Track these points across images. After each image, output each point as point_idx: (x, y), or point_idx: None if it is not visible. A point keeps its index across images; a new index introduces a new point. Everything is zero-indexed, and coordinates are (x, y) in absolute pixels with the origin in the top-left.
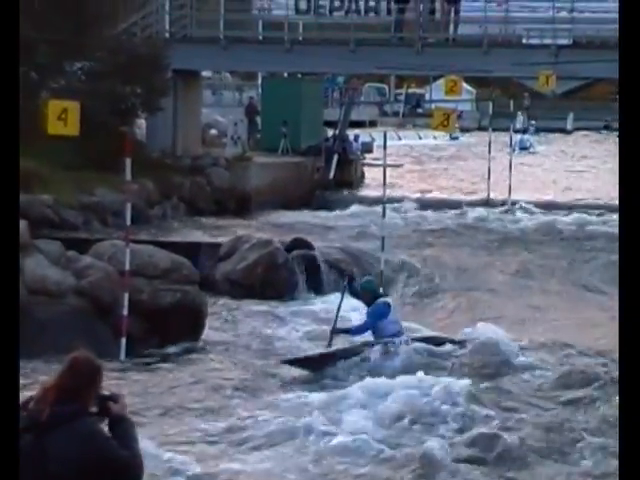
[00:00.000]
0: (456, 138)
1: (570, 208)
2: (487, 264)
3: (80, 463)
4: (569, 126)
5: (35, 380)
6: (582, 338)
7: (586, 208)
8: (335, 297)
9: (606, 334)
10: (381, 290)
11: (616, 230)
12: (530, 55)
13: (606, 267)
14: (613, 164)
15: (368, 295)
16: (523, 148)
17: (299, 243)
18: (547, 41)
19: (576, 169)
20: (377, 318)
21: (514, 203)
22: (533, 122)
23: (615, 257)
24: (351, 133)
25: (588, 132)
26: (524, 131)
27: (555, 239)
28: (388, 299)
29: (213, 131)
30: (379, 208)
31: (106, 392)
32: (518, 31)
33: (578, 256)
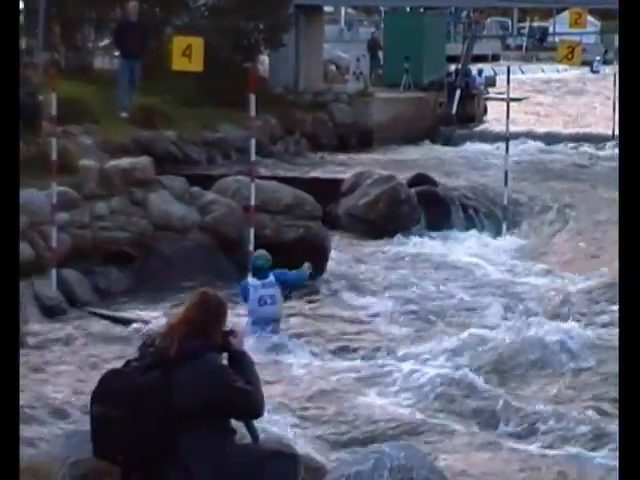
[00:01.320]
0: (597, 72)
1: None
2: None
3: (208, 397)
4: None
5: (162, 313)
6: None
7: None
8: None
9: None
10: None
11: None
12: None
13: None
14: None
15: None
16: (595, 71)
17: (422, 179)
18: None
19: None
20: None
21: None
22: None
23: None
24: (474, 67)
25: None
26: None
27: None
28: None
29: (332, 67)
30: (501, 144)
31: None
32: None
33: None
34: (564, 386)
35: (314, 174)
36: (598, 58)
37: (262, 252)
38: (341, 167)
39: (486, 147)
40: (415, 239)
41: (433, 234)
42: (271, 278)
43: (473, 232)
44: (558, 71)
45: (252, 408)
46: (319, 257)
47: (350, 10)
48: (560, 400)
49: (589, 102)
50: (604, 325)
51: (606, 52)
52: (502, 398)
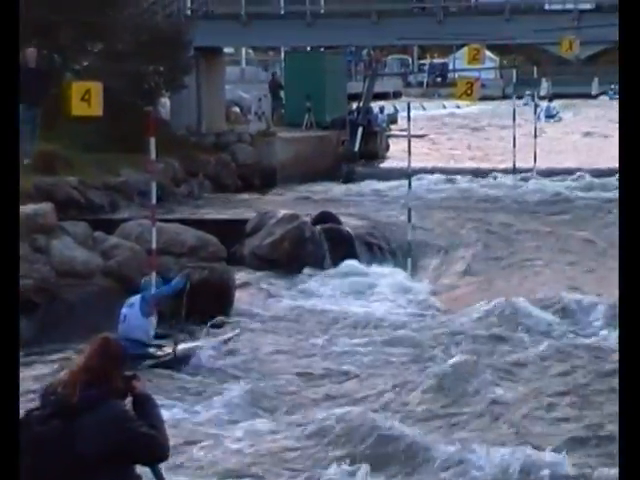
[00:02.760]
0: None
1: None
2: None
3: (112, 444)
4: (594, 91)
5: (66, 359)
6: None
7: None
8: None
9: None
10: None
11: None
12: (552, 21)
13: None
14: None
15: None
16: (549, 116)
17: (326, 217)
18: (569, 6)
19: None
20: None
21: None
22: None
23: None
24: (375, 105)
25: (615, 96)
26: (550, 99)
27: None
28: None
29: (236, 108)
30: (405, 180)
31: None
32: None
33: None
34: None
35: (218, 216)
36: (528, 92)
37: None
38: (245, 207)
39: (389, 184)
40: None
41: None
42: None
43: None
44: (459, 107)
45: (157, 452)
46: (224, 298)
47: (250, 50)
48: None
49: (493, 136)
50: None
51: (505, 87)
52: None
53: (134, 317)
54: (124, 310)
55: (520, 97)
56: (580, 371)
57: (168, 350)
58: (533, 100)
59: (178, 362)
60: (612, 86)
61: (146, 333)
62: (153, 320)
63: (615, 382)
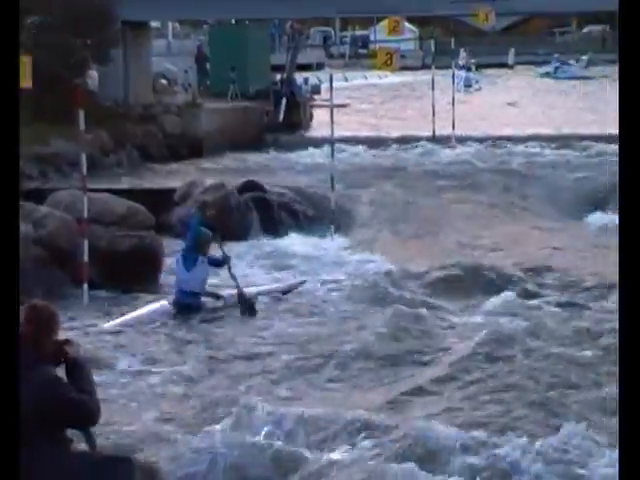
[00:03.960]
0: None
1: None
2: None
3: (42, 409)
4: (510, 61)
5: None
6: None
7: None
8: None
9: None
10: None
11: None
12: None
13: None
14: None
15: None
16: (467, 85)
17: (251, 185)
18: None
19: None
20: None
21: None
22: (473, 60)
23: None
24: (299, 76)
25: (530, 66)
26: (468, 68)
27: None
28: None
29: (163, 80)
30: (327, 149)
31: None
32: None
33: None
34: None
35: (146, 185)
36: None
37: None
38: (173, 177)
39: (312, 152)
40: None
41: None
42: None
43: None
44: (380, 77)
45: (87, 417)
46: (153, 265)
47: (177, 24)
48: None
49: (409, 106)
50: None
51: (424, 58)
52: None
53: (181, 272)
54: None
55: (439, 67)
56: None
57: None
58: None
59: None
60: (556, 57)
61: (198, 285)
62: (200, 274)
63: None
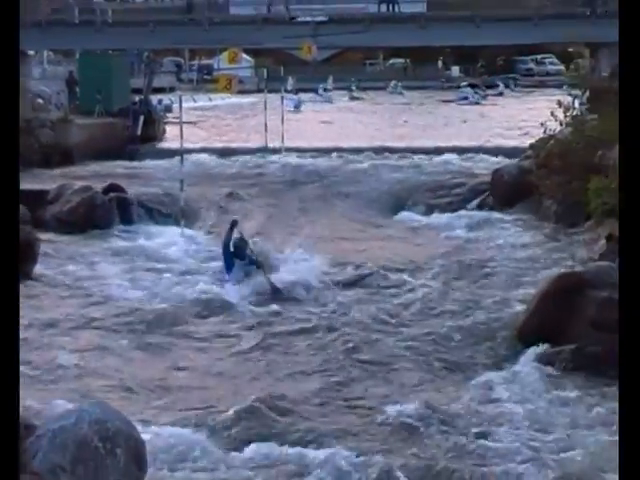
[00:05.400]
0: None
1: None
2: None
3: None
4: (329, 86)
5: None
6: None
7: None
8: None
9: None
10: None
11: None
12: (295, 30)
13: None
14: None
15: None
16: (296, 107)
17: (114, 187)
18: (308, 18)
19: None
20: None
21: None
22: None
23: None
24: (154, 97)
25: (344, 91)
26: (296, 92)
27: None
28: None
29: (40, 100)
30: (178, 158)
31: None
32: (283, 11)
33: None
34: None
35: (24, 186)
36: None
37: None
38: (47, 180)
39: (165, 161)
40: None
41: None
42: None
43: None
44: (223, 99)
45: None
46: (29, 255)
47: (50, 52)
48: None
49: (250, 122)
50: None
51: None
52: None
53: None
54: None
55: (271, 91)
56: None
57: None
58: (295, 93)
59: None
60: (393, 82)
61: None
62: None
63: None
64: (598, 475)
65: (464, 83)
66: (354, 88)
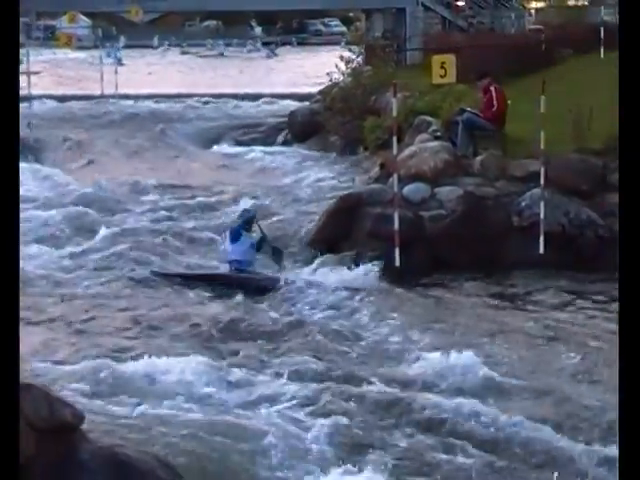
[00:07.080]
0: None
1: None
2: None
3: None
4: (155, 44)
5: None
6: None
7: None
8: None
9: None
10: None
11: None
12: None
13: None
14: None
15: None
16: (119, 60)
17: None
18: None
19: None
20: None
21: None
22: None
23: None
24: None
25: (169, 47)
26: (118, 49)
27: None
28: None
29: None
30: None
31: None
32: None
33: None
34: None
35: None
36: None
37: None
38: None
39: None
40: None
41: None
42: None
43: None
44: (65, 53)
45: None
46: None
47: None
48: None
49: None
50: None
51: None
52: None
53: (227, 245)
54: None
55: (105, 46)
56: None
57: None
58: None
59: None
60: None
61: (241, 255)
62: (240, 247)
63: None
64: None
65: (265, 40)
66: (184, 45)
